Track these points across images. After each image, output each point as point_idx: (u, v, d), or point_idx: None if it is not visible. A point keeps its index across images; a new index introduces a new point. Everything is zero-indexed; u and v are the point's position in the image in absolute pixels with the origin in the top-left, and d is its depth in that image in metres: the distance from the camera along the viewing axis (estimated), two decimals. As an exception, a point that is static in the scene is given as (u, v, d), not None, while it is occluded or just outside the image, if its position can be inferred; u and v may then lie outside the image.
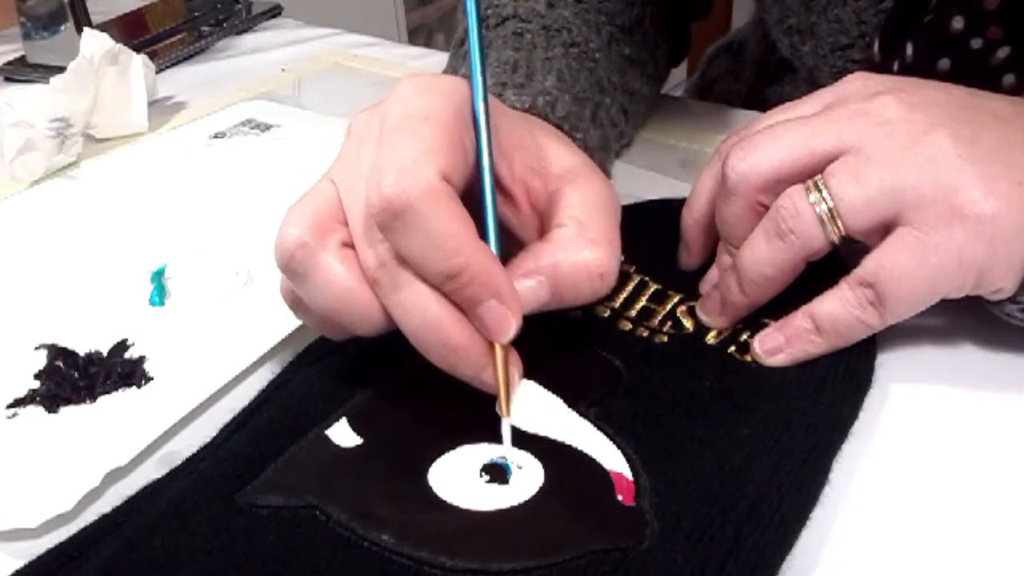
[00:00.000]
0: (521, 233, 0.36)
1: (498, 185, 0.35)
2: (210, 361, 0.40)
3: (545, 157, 0.36)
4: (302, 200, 0.35)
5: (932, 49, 0.46)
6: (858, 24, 0.50)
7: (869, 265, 0.35)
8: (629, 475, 0.32)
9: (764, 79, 0.68)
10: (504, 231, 0.35)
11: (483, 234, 0.33)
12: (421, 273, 0.32)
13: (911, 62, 0.46)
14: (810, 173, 0.35)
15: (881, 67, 0.48)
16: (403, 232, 0.31)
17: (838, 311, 0.35)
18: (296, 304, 0.36)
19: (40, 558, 0.31)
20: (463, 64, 0.47)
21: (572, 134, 0.42)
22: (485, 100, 0.33)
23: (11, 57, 0.77)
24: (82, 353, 0.41)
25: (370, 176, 0.31)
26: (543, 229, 0.36)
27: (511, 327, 0.32)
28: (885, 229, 0.35)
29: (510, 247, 0.35)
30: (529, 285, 0.33)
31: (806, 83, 0.58)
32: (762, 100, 0.68)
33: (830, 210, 0.35)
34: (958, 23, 0.44)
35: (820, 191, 0.35)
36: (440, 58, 0.74)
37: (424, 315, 0.32)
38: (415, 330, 0.32)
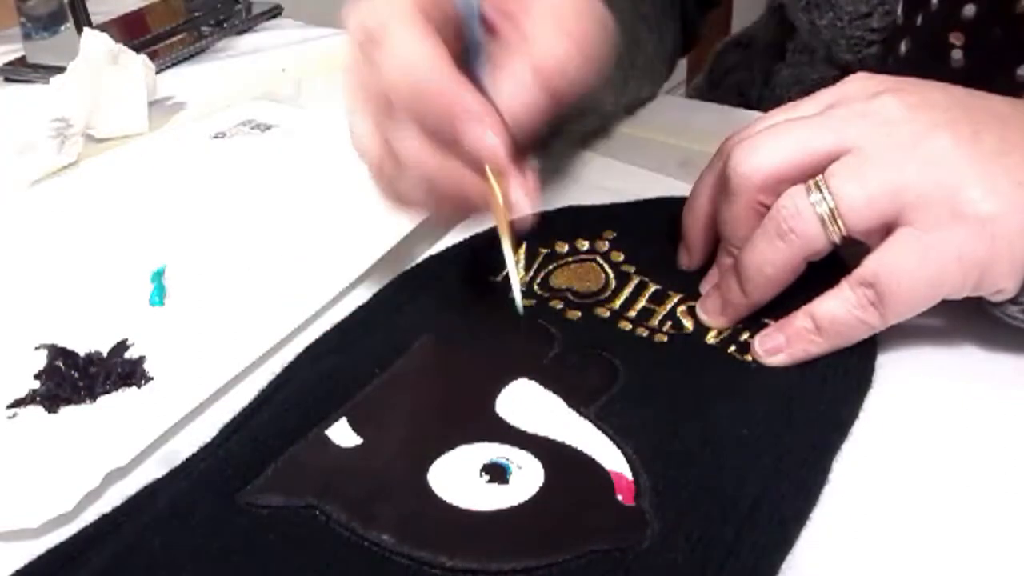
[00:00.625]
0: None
1: (483, 21, 0.36)
2: (210, 361, 0.40)
3: None
4: None
5: None
6: None
7: (870, 265, 0.35)
8: (629, 475, 0.32)
9: (779, 63, 0.68)
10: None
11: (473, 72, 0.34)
12: (398, 103, 0.33)
13: (936, 10, 0.46)
14: (811, 173, 0.35)
15: (903, 27, 0.48)
16: (381, 58, 0.33)
17: (839, 311, 0.35)
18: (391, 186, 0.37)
19: (40, 558, 0.31)
20: None
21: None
22: None
23: (11, 57, 0.77)
24: (82, 353, 0.41)
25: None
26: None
27: (491, 145, 0.33)
28: (886, 229, 0.35)
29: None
30: (519, 91, 0.34)
31: (823, 62, 0.59)
32: (779, 82, 0.68)
33: (831, 210, 0.35)
34: None
35: (821, 191, 0.35)
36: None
37: (417, 150, 0.34)
38: (414, 158, 0.35)
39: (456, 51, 0.34)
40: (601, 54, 0.38)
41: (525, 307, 0.40)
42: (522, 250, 0.44)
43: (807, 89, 0.40)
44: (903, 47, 0.49)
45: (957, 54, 0.46)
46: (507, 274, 0.42)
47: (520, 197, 0.34)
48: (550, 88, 0.35)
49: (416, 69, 0.32)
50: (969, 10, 0.45)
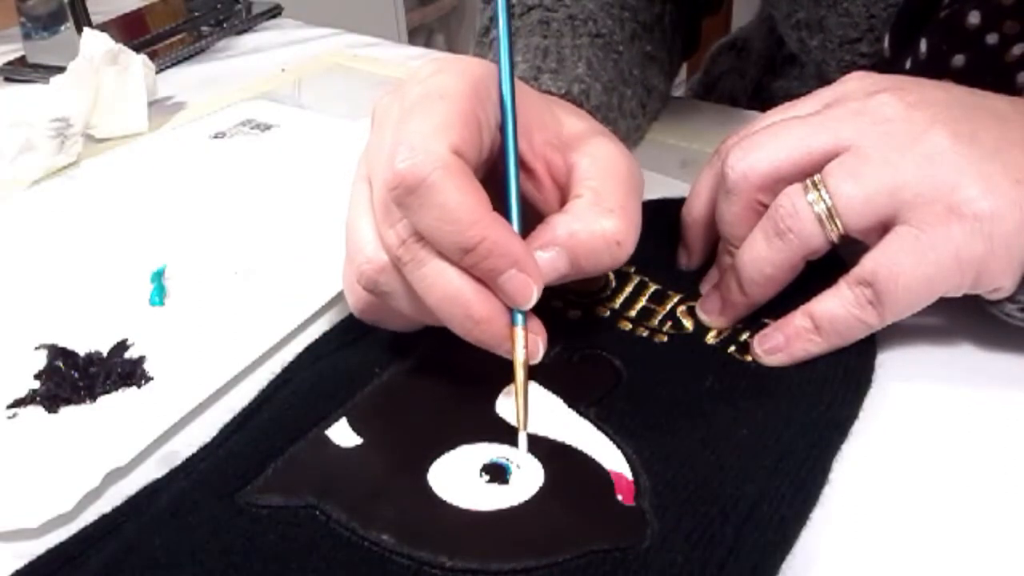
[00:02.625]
0: (544, 208, 0.36)
1: (519, 162, 0.35)
2: (210, 361, 0.40)
3: (564, 132, 0.37)
4: (356, 216, 0.36)
5: (947, 45, 0.46)
6: (868, 18, 0.50)
7: (868, 264, 0.35)
8: (629, 475, 0.32)
9: (770, 74, 0.69)
10: (527, 207, 0.35)
11: (506, 210, 0.34)
12: (439, 248, 0.32)
13: (925, 59, 0.46)
14: (809, 172, 0.36)
15: (892, 64, 0.48)
16: (418, 207, 0.31)
17: (837, 310, 0.35)
18: (380, 317, 0.37)
19: (40, 558, 0.31)
20: (488, 51, 0.47)
21: (605, 125, 0.42)
22: (511, 79, 0.34)
23: (11, 57, 0.77)
24: (82, 353, 0.41)
25: (387, 155, 0.32)
26: (564, 202, 0.36)
27: (532, 293, 0.32)
28: (884, 228, 0.35)
29: (533, 223, 0.35)
30: (548, 256, 0.34)
31: (814, 77, 0.59)
32: (768, 95, 0.68)
33: (829, 209, 0.35)
34: (974, 18, 0.44)
35: (819, 190, 0.35)
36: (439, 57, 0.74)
37: (446, 289, 0.32)
38: (438, 303, 0.33)
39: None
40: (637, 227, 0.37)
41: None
42: None
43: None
44: None
45: None
46: None
47: (539, 348, 0.34)
48: (582, 270, 0.35)
49: (465, 216, 0.31)
50: (959, 60, 0.45)
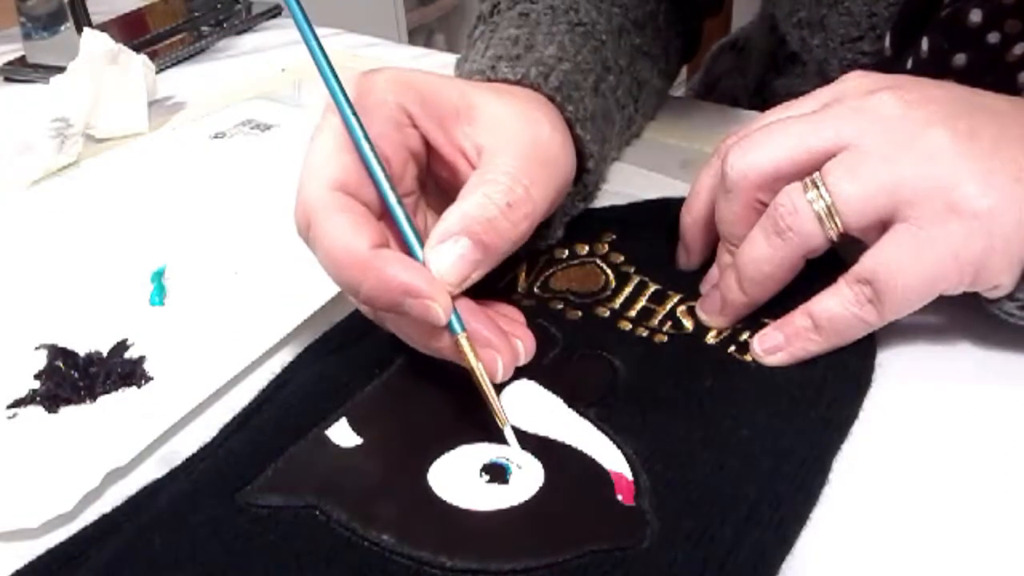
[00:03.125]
0: None
1: (438, 157, 0.37)
2: (210, 361, 0.40)
3: (475, 119, 0.37)
4: None
5: (948, 44, 0.45)
6: (869, 16, 0.50)
7: (867, 262, 0.35)
8: (629, 475, 0.32)
9: (772, 73, 0.68)
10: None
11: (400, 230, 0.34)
12: (341, 287, 0.34)
13: (926, 57, 0.46)
14: (808, 171, 0.35)
15: (893, 63, 0.48)
16: (314, 250, 0.34)
17: (837, 309, 0.35)
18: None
19: (40, 558, 0.31)
20: (471, 49, 0.47)
21: (564, 105, 0.41)
22: (343, 94, 0.34)
23: (11, 57, 0.77)
24: (82, 353, 0.41)
25: None
26: None
27: (437, 313, 0.32)
28: (883, 226, 0.35)
29: None
30: (447, 248, 0.33)
31: (816, 76, 0.59)
32: (770, 94, 0.68)
33: (828, 207, 0.35)
34: (976, 16, 0.44)
35: (818, 188, 0.35)
36: (440, 58, 0.74)
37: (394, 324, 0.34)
38: (385, 321, 0.35)
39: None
40: (555, 199, 0.37)
41: (526, 307, 0.40)
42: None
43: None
44: None
45: None
46: (509, 280, 0.42)
47: (501, 366, 0.34)
48: (491, 248, 0.34)
49: (341, 259, 0.32)
50: (960, 59, 0.45)
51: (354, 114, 0.34)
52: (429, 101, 0.36)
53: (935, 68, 0.45)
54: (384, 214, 0.35)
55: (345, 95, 0.34)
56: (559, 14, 0.47)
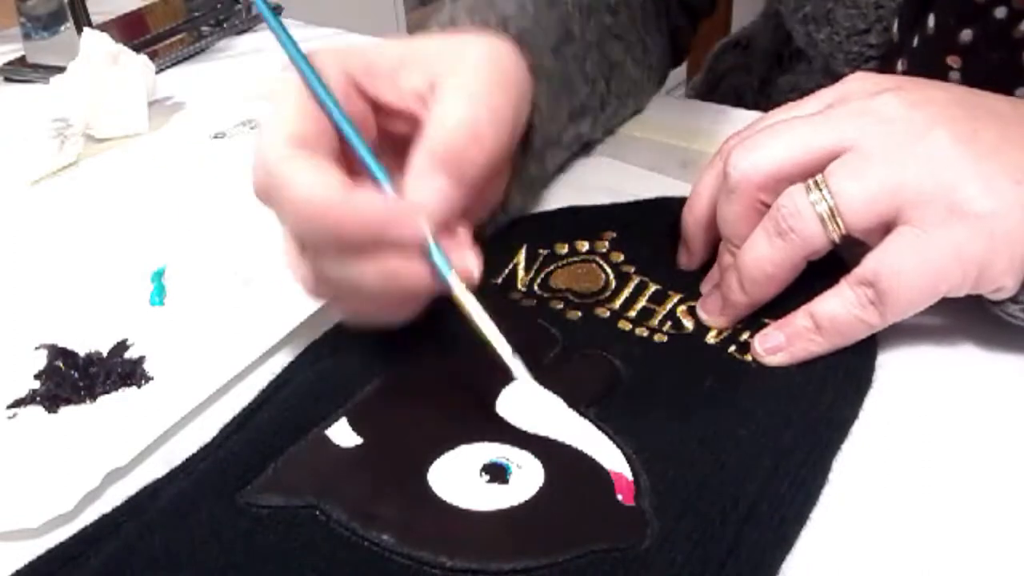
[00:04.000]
0: None
1: (394, 111, 0.37)
2: (210, 361, 0.40)
3: (423, 61, 0.37)
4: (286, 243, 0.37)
5: (955, 19, 0.45)
6: (876, 8, 0.50)
7: (869, 264, 0.35)
8: (629, 475, 0.32)
9: (776, 69, 0.68)
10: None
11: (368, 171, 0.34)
12: (310, 242, 0.33)
13: (933, 34, 0.46)
14: (811, 172, 0.35)
15: (900, 45, 0.48)
16: (279, 209, 0.33)
17: (838, 310, 0.35)
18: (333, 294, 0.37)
19: (40, 558, 0.31)
20: (438, 12, 0.46)
21: (526, 55, 0.40)
22: (306, 61, 0.35)
23: (11, 57, 0.77)
24: (82, 353, 0.41)
25: None
26: None
27: (419, 225, 0.32)
28: (885, 228, 0.35)
29: None
30: (422, 185, 0.34)
31: (821, 71, 0.59)
32: (775, 90, 0.67)
33: (830, 208, 0.35)
34: None
35: (820, 189, 0.35)
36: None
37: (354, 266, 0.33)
38: (356, 282, 0.33)
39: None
40: (515, 116, 0.37)
41: (526, 307, 0.40)
42: (522, 252, 0.44)
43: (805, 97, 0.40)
44: (900, 66, 0.49)
45: (955, 76, 0.46)
46: (508, 277, 0.42)
47: (470, 264, 0.34)
48: (463, 176, 0.34)
49: (312, 205, 0.31)
50: (966, 35, 0.45)
51: (308, 65, 0.34)
52: (373, 61, 0.36)
53: (941, 45, 0.44)
54: (344, 162, 0.34)
55: (299, 50, 0.35)
56: None
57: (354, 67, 0.36)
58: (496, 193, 0.41)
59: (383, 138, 0.38)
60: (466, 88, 0.35)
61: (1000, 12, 0.44)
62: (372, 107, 0.37)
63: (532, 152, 0.44)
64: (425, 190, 0.34)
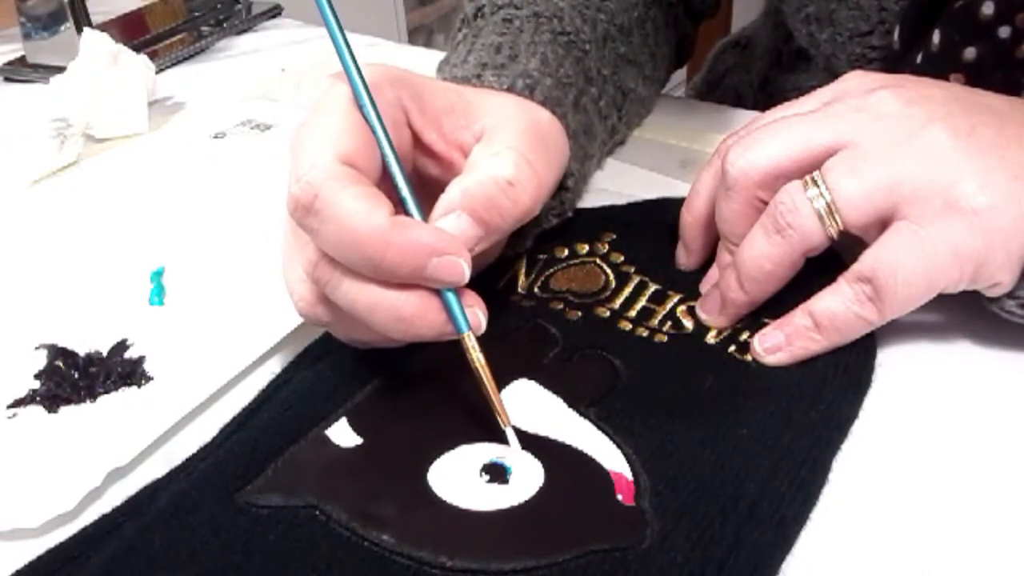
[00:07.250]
0: None
1: (430, 152, 0.37)
2: (210, 361, 0.40)
3: (472, 113, 0.37)
4: (285, 252, 0.37)
5: (959, 36, 0.45)
6: (879, 11, 0.50)
7: (867, 260, 0.35)
8: (629, 475, 0.32)
9: (777, 69, 0.68)
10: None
11: (403, 204, 0.34)
12: (349, 267, 0.32)
13: (937, 51, 0.46)
14: (808, 169, 0.36)
15: (902, 57, 0.48)
16: (318, 225, 0.32)
17: (837, 307, 0.35)
18: (328, 321, 0.36)
19: (40, 558, 0.31)
20: (453, 52, 0.47)
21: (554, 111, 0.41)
22: (362, 78, 0.34)
23: (11, 57, 0.77)
24: (82, 353, 0.41)
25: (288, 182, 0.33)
26: None
27: (462, 269, 0.32)
28: (883, 224, 0.35)
29: None
30: (448, 223, 0.33)
31: (823, 71, 0.59)
32: (775, 89, 0.67)
33: (828, 205, 0.35)
34: (988, 9, 0.44)
35: (818, 186, 0.35)
36: (440, 58, 0.74)
37: (368, 299, 0.32)
38: (367, 315, 0.32)
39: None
40: (552, 186, 0.38)
41: (526, 308, 0.40)
42: (522, 258, 0.43)
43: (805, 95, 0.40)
44: None
45: None
46: (509, 280, 0.42)
47: (481, 320, 0.33)
48: (491, 225, 0.34)
49: (360, 232, 0.31)
50: (970, 53, 0.45)
51: (366, 88, 0.34)
52: (424, 98, 0.36)
53: (945, 62, 0.45)
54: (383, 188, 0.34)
55: (358, 68, 0.34)
56: (543, 22, 0.47)
57: (406, 96, 0.36)
58: (498, 250, 0.41)
59: (413, 174, 0.38)
60: (518, 149, 0.35)
61: (1004, 31, 0.44)
62: (413, 140, 0.37)
63: (562, 210, 0.44)
64: (451, 226, 0.33)
